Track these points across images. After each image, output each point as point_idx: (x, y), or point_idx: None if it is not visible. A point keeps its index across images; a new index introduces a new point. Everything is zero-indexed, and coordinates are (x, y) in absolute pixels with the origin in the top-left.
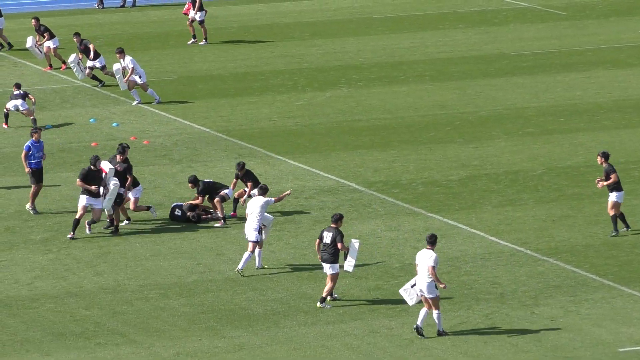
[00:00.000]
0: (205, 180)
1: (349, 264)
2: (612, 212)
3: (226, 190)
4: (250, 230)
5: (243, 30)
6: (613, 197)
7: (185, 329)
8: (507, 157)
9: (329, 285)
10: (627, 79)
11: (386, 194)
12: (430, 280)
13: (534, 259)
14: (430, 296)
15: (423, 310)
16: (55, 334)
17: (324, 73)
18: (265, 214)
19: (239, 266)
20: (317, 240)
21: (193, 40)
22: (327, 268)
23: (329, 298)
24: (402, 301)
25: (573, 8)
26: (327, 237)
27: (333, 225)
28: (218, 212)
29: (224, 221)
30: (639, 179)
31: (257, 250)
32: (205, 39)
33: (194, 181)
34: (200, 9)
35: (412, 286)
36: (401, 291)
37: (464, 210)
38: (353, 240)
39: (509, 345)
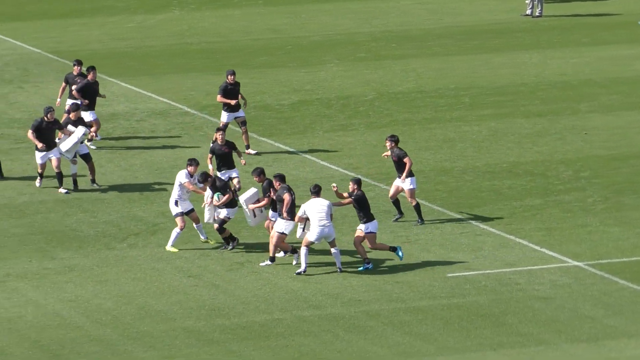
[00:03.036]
0: None
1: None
2: (413, 202)
3: None
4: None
5: None
6: (408, 183)
7: (15, 250)
8: (339, 82)
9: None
10: (458, 6)
11: (217, 117)
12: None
13: (364, 183)
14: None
15: (335, 254)
16: None
17: None
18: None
19: None
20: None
21: None
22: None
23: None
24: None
25: None
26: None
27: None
28: None
29: None
30: (469, 105)
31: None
32: None
33: None
34: None
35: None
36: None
37: (296, 134)
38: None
39: (337, 268)
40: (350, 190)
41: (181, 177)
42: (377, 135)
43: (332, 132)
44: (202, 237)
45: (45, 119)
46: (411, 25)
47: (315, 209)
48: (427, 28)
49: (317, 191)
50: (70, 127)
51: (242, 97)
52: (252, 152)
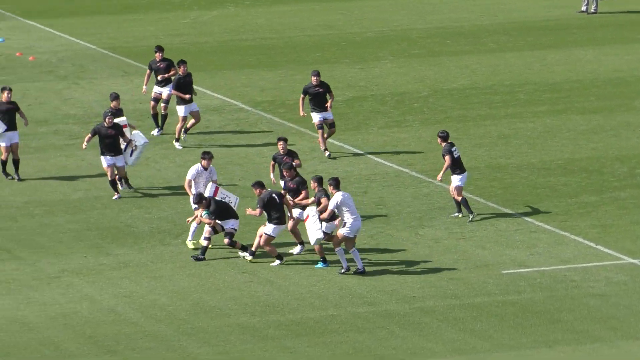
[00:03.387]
0: None
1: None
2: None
3: None
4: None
5: None
6: (457, 180)
7: (71, 246)
8: (393, 78)
9: None
10: (511, 2)
11: (272, 113)
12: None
13: (419, 180)
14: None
15: (354, 253)
16: None
17: None
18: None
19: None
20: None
21: None
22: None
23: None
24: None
25: None
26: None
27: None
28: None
29: None
30: (524, 102)
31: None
32: None
33: None
34: None
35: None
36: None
37: (350, 130)
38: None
39: (392, 265)
40: (312, 188)
41: (189, 172)
42: (432, 132)
43: (386, 128)
44: (188, 241)
45: (105, 123)
46: (465, 22)
47: (346, 202)
48: (481, 24)
49: (337, 184)
50: (118, 119)
51: (330, 96)
52: (327, 153)
